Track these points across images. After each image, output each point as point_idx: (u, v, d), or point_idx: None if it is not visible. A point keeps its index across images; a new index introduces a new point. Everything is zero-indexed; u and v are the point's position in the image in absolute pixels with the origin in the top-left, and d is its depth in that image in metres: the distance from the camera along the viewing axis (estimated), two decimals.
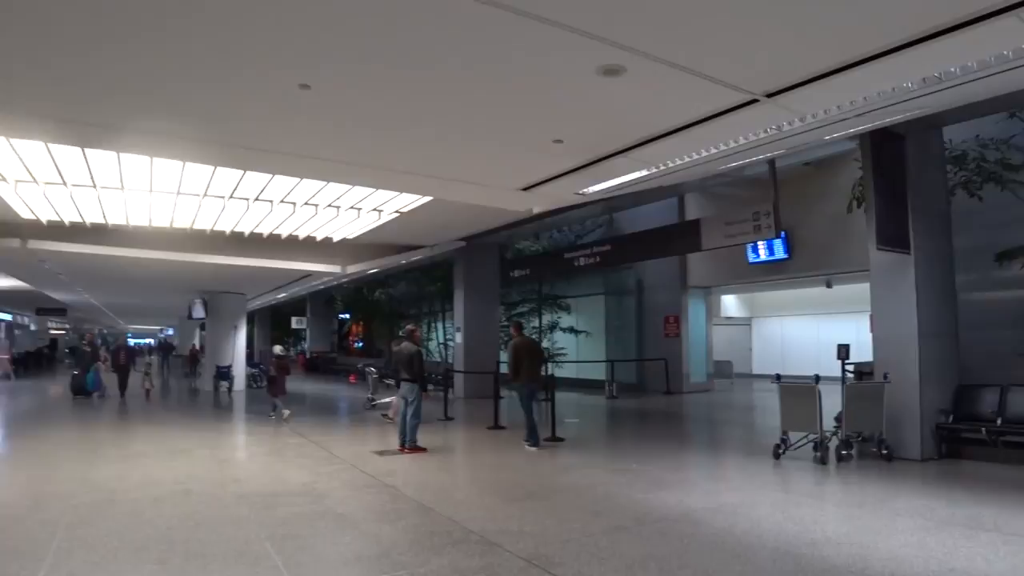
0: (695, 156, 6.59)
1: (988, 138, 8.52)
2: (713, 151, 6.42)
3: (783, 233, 11.98)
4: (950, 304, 8.05)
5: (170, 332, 50.58)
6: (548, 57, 4.49)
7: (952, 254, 8.18)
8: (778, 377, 8.09)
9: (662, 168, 7.04)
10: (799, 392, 7.73)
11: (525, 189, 8.21)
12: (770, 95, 5.01)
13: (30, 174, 8.40)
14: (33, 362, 29.49)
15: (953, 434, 7.41)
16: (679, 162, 6.80)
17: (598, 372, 17.45)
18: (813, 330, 19.92)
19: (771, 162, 8.50)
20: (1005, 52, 4.30)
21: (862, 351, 9.57)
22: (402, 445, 8.46)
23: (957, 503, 5.63)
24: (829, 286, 16.75)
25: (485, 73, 4.82)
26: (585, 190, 8.21)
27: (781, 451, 7.63)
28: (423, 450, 8.43)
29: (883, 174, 7.63)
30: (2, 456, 8.99)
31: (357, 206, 10.80)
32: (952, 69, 4.59)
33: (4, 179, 8.64)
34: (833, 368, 8.52)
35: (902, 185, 7.70)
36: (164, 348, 33.61)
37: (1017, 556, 4.24)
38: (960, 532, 4.75)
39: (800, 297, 19.43)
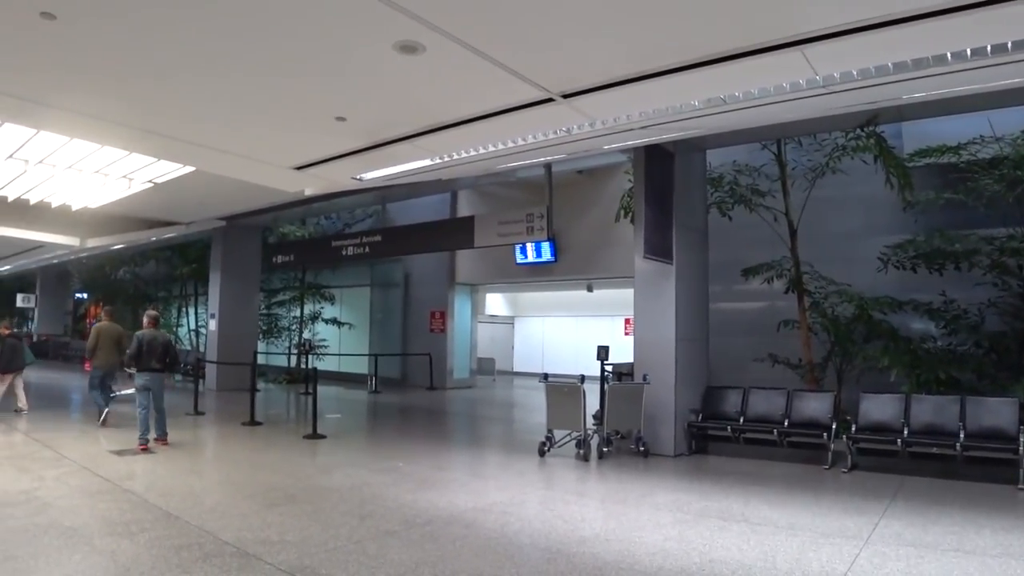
0: (482, 150, 7.42)
1: (743, 164, 10.89)
2: (501, 147, 7.28)
3: (552, 238, 13.69)
4: (703, 312, 10.02)
5: None
6: (341, 23, 4.61)
7: (707, 267, 10.16)
8: (545, 376, 9.38)
9: (447, 159, 7.80)
10: (565, 391, 9.03)
11: (299, 168, 8.61)
12: (566, 96, 5.73)
13: None
14: None
15: (702, 431, 9.24)
16: (465, 155, 7.60)
17: (361, 366, 18.64)
18: (572, 331, 22.75)
19: (548, 166, 9.93)
20: (783, 84, 5.58)
21: (618, 352, 11.38)
22: (143, 443, 8.57)
23: (709, 496, 6.93)
24: (590, 290, 19.29)
25: (265, 26, 4.75)
26: (363, 175, 8.77)
27: (546, 448, 8.89)
28: (148, 449, 8.56)
29: (653, 188, 9.20)
30: None
31: (104, 171, 10.38)
32: (736, 93, 5.80)
33: None
34: (591, 367, 10.28)
35: (669, 200, 9.39)
36: None
37: (765, 543, 5.22)
38: (715, 524, 5.85)
39: (562, 299, 22.13)
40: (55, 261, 23.76)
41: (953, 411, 7.91)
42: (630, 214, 10.21)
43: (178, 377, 17.56)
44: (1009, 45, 4.95)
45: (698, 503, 6.66)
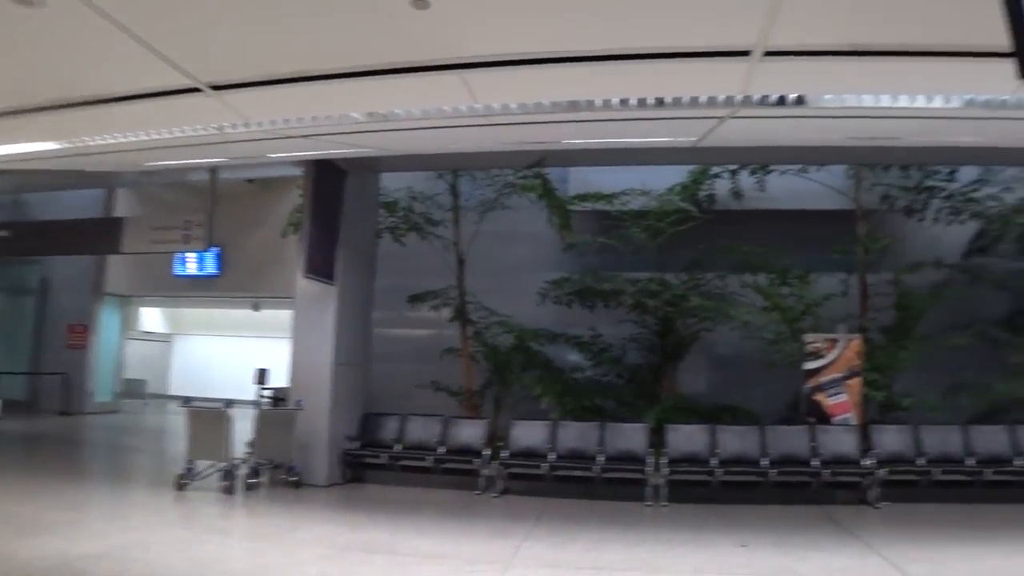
0: (121, 139, 7.02)
1: (418, 192, 11.65)
2: (144, 138, 6.95)
3: (217, 249, 13.73)
4: (366, 336, 10.39)
5: None
6: None
7: (372, 291, 10.59)
8: (187, 400, 9.16)
9: (77, 144, 7.24)
10: (207, 417, 8.82)
11: None
12: (215, 88, 5.57)
13: None
14: None
15: (358, 459, 9.48)
16: (101, 142, 7.13)
17: None
18: (238, 352, 21.98)
19: (213, 170, 9.73)
20: (445, 108, 5.97)
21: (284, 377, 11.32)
22: None
23: (358, 527, 7.16)
24: (256, 309, 19.19)
25: None
26: None
27: (186, 482, 8.56)
28: None
29: (321, 205, 9.43)
30: None
31: None
32: (397, 111, 6.09)
33: None
34: (253, 391, 10.21)
35: (337, 219, 9.66)
36: None
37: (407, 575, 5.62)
38: (359, 557, 6.05)
39: (227, 317, 21.62)
40: None
41: (594, 436, 9.13)
42: (298, 231, 10.52)
43: None
44: (651, 100, 5.97)
45: (345, 536, 6.83)
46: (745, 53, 4.82)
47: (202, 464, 8.87)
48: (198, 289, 16.38)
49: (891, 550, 6.47)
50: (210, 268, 15.67)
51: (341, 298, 9.72)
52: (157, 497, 8.45)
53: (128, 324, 19.16)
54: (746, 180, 11.36)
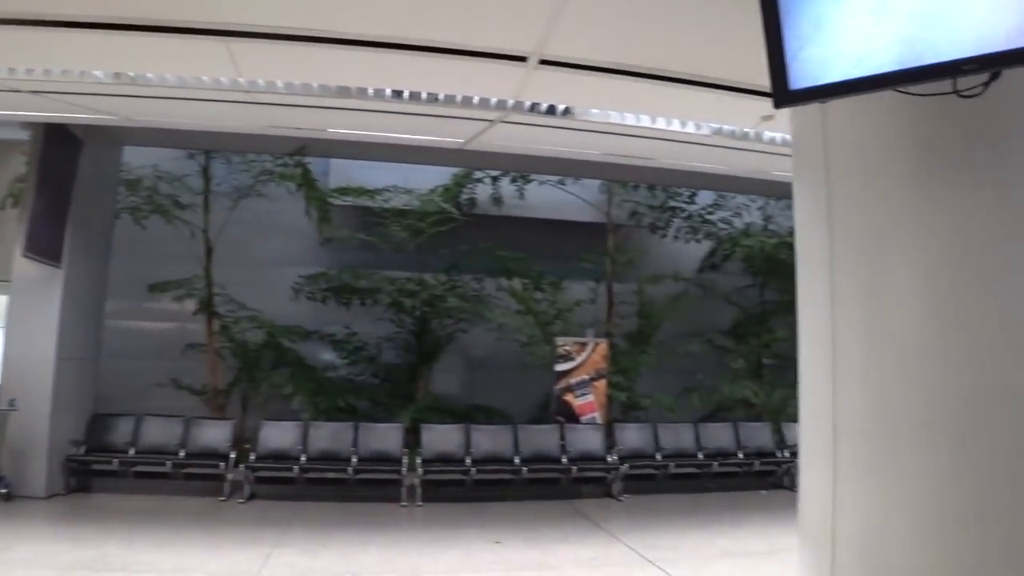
0: None
1: (165, 172, 10.93)
2: None
3: None
4: (97, 328, 9.68)
5: None
6: None
7: (106, 277, 9.88)
8: None
9: None
10: None
11: None
12: None
13: None
14: None
15: (85, 466, 8.77)
16: None
17: None
18: None
19: None
20: (205, 78, 5.77)
21: None
22: None
23: (85, 542, 6.62)
24: None
25: None
26: None
27: None
28: None
29: (49, 175, 8.63)
30: None
31: None
32: (149, 75, 5.82)
33: None
34: None
35: (68, 193, 8.89)
36: None
37: None
38: None
39: None
40: None
41: (348, 437, 9.16)
42: (17, 204, 9.57)
43: None
44: (424, 95, 6.16)
45: (69, 553, 6.32)
46: (523, 59, 5.19)
47: None
48: None
49: (632, 538, 7.28)
50: None
51: (68, 283, 8.93)
52: None
53: None
54: (506, 187, 12.01)
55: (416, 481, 8.86)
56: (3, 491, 8.18)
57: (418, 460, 9.01)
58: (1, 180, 11.53)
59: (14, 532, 7.08)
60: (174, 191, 11.01)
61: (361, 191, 11.48)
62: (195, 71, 5.85)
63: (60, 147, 8.89)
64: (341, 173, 11.99)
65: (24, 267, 8.70)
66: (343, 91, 6.23)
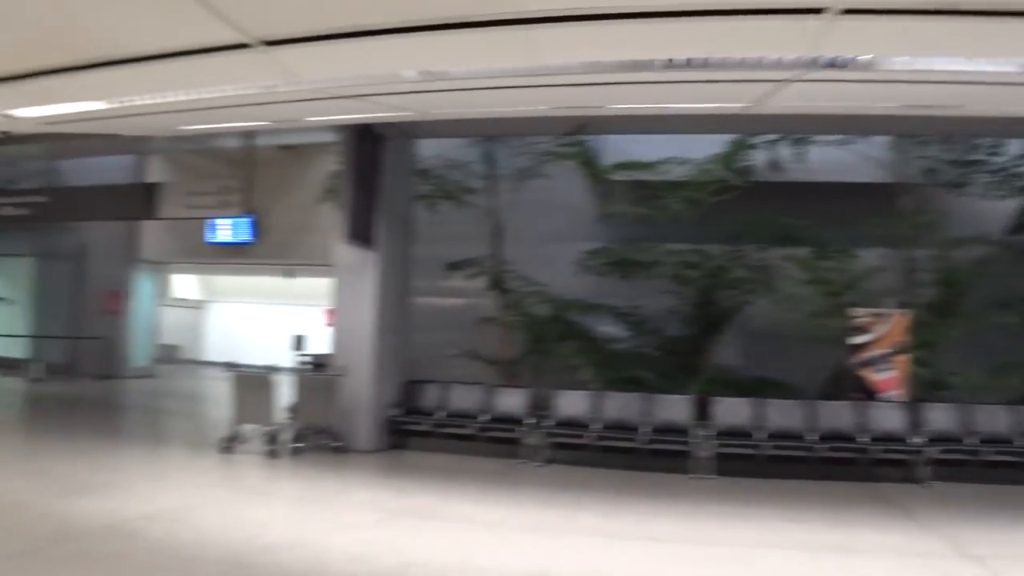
0: (166, 99, 7.01)
1: (453, 159, 11.72)
2: (185, 99, 6.95)
3: (252, 216, 13.80)
4: (406, 303, 10.58)
5: None
6: None
7: (410, 258, 10.74)
8: (231, 365, 9.39)
9: (121, 105, 7.25)
10: (252, 382, 9.07)
11: None
12: (268, 43, 5.44)
13: None
14: None
15: (400, 426, 9.69)
16: (143, 102, 7.12)
17: (18, 349, 17.49)
18: (270, 319, 22.81)
19: (249, 135, 9.94)
20: (502, 66, 5.97)
21: (320, 344, 11.74)
22: None
23: (406, 492, 7.33)
24: (290, 276, 19.47)
25: None
26: (11, 112, 7.88)
27: (231, 445, 8.82)
28: None
29: (361, 170, 9.55)
30: None
31: None
32: (452, 69, 6.10)
33: None
34: (287, 358, 10.51)
35: (376, 185, 9.77)
36: None
37: (462, 541, 5.69)
38: (411, 523, 6.21)
39: (259, 285, 22.06)
40: None
41: (637, 407, 9.31)
42: (333, 198, 10.66)
43: None
44: (715, 59, 5.80)
45: (394, 501, 6.98)
46: (819, 10, 4.75)
47: (246, 428, 9.10)
48: (231, 256, 16.73)
49: (946, 529, 6.56)
50: (244, 235, 15.88)
51: (381, 265, 9.89)
52: (201, 460, 8.70)
53: (162, 290, 19.79)
54: (785, 151, 11.34)
55: (707, 454, 8.78)
56: (337, 444, 9.30)
57: (707, 432, 8.91)
58: (313, 179, 13.14)
59: (348, 480, 8.06)
60: (462, 177, 11.75)
61: (639, 165, 11.43)
62: (493, 61, 6.03)
63: (367, 144, 9.79)
64: (616, 149, 12.06)
65: (346, 252, 9.75)
66: (631, 65, 6.14)
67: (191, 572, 4.79)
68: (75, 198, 12.43)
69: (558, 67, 6.25)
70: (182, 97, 6.99)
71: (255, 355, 15.25)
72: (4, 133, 9.58)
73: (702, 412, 9.27)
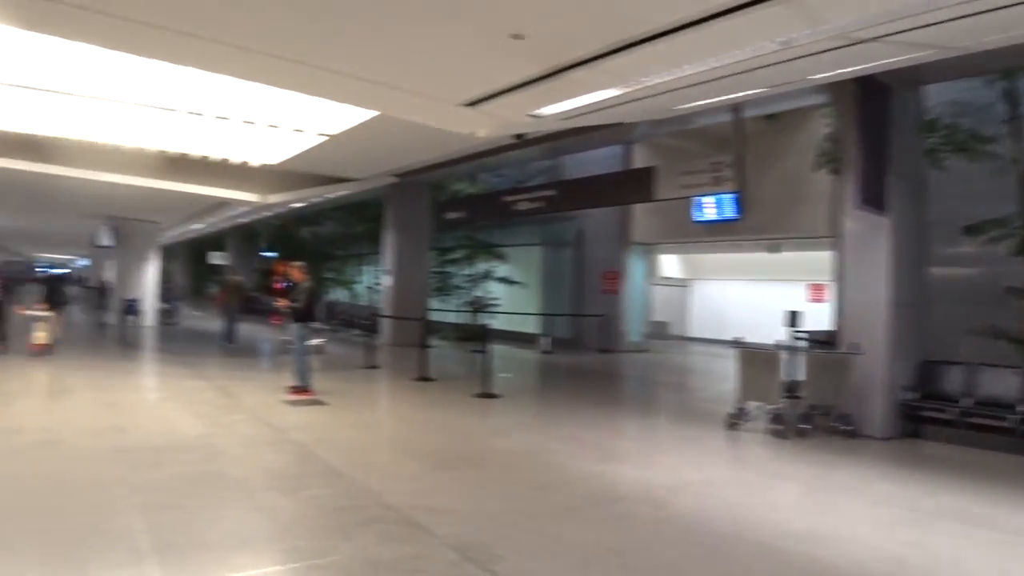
0: (677, 73, 6.91)
1: (962, 104, 10.05)
2: (701, 68, 6.72)
3: (736, 192, 13.47)
4: (921, 274, 9.45)
5: (84, 263, 53.37)
6: None
7: (927, 222, 9.57)
8: (737, 342, 9.18)
9: (636, 87, 7.41)
10: (760, 359, 8.83)
11: (470, 105, 8.51)
12: None
13: None
14: None
15: (916, 412, 8.66)
16: (657, 80, 7.15)
17: (530, 325, 20.21)
18: (752, 296, 22.96)
19: (735, 108, 9.69)
20: None
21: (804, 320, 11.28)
22: (296, 389, 9.47)
23: (938, 491, 6.41)
24: (774, 251, 18.99)
25: None
26: (539, 111, 8.56)
27: (737, 422, 8.74)
28: (308, 393, 9.46)
29: (866, 129, 8.71)
30: None
31: (276, 124, 11.25)
32: None
33: None
34: (773, 335, 10.10)
35: (885, 143, 8.88)
36: (90, 286, 34.01)
37: (1020, 561, 4.74)
38: (955, 528, 5.35)
39: (740, 262, 22.33)
40: (241, 220, 26.51)
41: None
42: (832, 162, 9.92)
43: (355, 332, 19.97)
44: None
45: (927, 499, 6.17)
46: None
47: (751, 405, 8.94)
48: (717, 234, 17.03)
49: None
50: (728, 212, 15.94)
51: (893, 230, 8.96)
52: (708, 435, 8.71)
53: (651, 270, 21.23)
54: None
55: None
56: (847, 428, 8.65)
57: None
58: (799, 148, 12.40)
59: (864, 469, 7.39)
60: (976, 124, 10.05)
61: None
62: None
63: (871, 98, 8.89)
64: None
65: (853, 219, 9.05)
66: None
67: (724, 550, 4.73)
68: (580, 189, 13.52)
69: None
70: (691, 70, 6.80)
71: (737, 331, 15.22)
72: (519, 136, 10.51)
73: None
